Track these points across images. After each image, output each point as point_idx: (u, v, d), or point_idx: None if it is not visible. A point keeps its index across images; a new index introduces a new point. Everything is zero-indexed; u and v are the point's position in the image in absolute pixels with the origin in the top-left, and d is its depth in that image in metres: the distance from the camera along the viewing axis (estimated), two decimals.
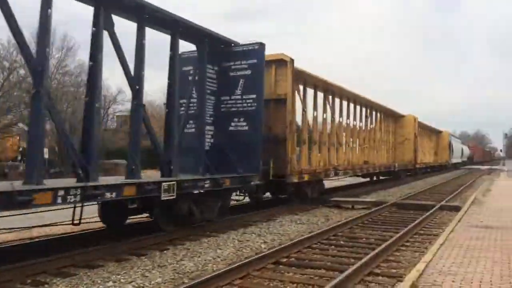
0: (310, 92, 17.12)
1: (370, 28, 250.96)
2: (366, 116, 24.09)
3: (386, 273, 7.19)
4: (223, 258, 8.31)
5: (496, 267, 6.91)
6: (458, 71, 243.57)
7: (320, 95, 17.91)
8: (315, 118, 17.49)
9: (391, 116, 29.89)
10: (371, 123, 25.23)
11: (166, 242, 9.52)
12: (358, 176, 23.89)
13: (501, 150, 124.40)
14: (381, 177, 28.56)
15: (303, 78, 16.08)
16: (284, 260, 8.05)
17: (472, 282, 6.08)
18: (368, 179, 26.84)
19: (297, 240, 9.28)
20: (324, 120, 18.41)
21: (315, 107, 17.39)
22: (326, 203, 16.24)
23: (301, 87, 16.15)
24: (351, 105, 21.61)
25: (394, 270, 7.39)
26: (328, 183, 20.87)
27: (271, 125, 14.21)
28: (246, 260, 7.58)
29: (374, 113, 25.62)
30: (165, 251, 8.71)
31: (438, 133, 47.35)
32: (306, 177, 15.31)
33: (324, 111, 18.41)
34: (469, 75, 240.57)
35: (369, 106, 24.37)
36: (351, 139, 21.75)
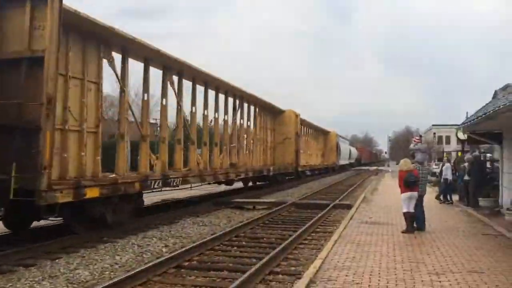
0: (137, 66, 12.96)
1: (265, 35, 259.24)
2: (234, 108, 20.01)
3: (286, 271, 7.44)
4: (122, 264, 7.96)
5: (383, 260, 7.53)
6: (349, 77, 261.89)
7: (157, 72, 13.71)
8: (145, 104, 13.19)
9: (269, 111, 25.47)
10: (242, 117, 20.89)
11: (58, 250, 8.86)
12: (220, 183, 19.60)
13: (385, 152, 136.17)
14: (258, 183, 24.58)
15: (117, 42, 11.41)
16: (186, 263, 7.95)
17: (363, 275, 6.55)
18: (233, 185, 21.51)
19: (199, 243, 9.21)
20: (164, 107, 13.95)
21: (145, 89, 13.03)
22: (229, 204, 16.39)
23: (116, 56, 11.53)
24: (211, 92, 17.38)
25: (293, 268, 7.68)
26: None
27: (21, 104, 8.56)
28: (146, 266, 7.33)
29: (246, 105, 21.39)
30: (57, 260, 8.09)
31: (325, 133, 44.55)
32: (93, 192, 9.63)
33: (164, 95, 13.87)
34: (359, 81, 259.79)
35: (239, 96, 20.07)
36: (212, 137, 17.90)
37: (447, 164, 18.12)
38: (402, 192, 10.42)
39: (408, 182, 10.23)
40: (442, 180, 17.49)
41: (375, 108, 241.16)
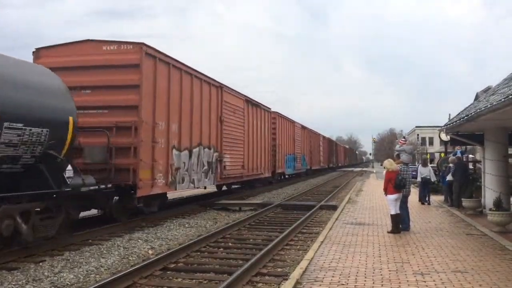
0: None
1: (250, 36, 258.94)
2: None
3: (272, 273, 7.44)
4: (107, 267, 7.88)
5: (369, 260, 7.58)
6: (333, 80, 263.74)
7: None
8: None
9: None
10: None
11: (42, 253, 8.72)
12: None
13: (370, 154, 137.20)
14: None
15: None
16: (172, 265, 7.90)
17: (349, 276, 6.59)
18: None
19: (185, 245, 9.17)
20: None
21: None
22: (214, 206, 16.34)
23: None
24: None
25: (279, 269, 7.68)
26: None
27: None
28: (132, 268, 7.27)
29: None
30: (41, 263, 7.97)
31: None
32: None
33: None
34: (342, 84, 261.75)
35: None
36: None
37: (428, 167, 17.95)
38: (389, 193, 10.45)
39: (400, 186, 10.35)
40: (422, 181, 17.25)
41: (359, 110, 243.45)
